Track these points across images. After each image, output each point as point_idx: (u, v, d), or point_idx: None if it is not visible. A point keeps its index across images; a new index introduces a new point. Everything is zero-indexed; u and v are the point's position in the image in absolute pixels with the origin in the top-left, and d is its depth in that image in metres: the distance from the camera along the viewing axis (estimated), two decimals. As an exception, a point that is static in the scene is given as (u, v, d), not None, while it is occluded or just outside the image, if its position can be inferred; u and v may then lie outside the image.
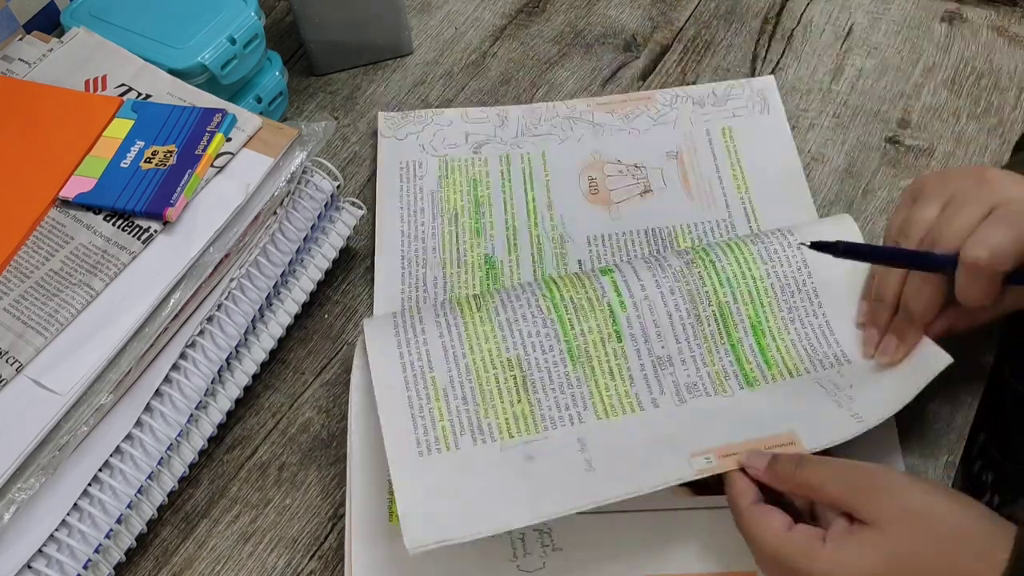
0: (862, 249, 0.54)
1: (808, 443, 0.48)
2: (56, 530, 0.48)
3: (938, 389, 0.56)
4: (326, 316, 0.63)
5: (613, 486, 0.47)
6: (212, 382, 0.55)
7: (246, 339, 0.57)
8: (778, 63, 0.74)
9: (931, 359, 0.51)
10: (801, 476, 0.45)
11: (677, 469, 0.47)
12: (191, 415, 0.53)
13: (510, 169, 0.68)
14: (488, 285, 0.62)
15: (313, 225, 0.60)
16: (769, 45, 0.75)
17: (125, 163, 0.56)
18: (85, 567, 0.49)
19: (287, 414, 0.59)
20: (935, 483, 0.45)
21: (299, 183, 0.59)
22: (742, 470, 0.47)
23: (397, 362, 0.53)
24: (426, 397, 0.51)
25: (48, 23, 0.69)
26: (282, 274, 0.58)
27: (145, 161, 0.56)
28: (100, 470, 0.50)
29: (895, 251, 0.52)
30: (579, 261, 0.63)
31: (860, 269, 0.56)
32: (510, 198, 0.67)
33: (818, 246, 0.50)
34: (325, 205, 0.60)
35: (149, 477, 0.51)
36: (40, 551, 0.47)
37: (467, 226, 0.66)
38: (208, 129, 0.56)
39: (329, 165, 0.60)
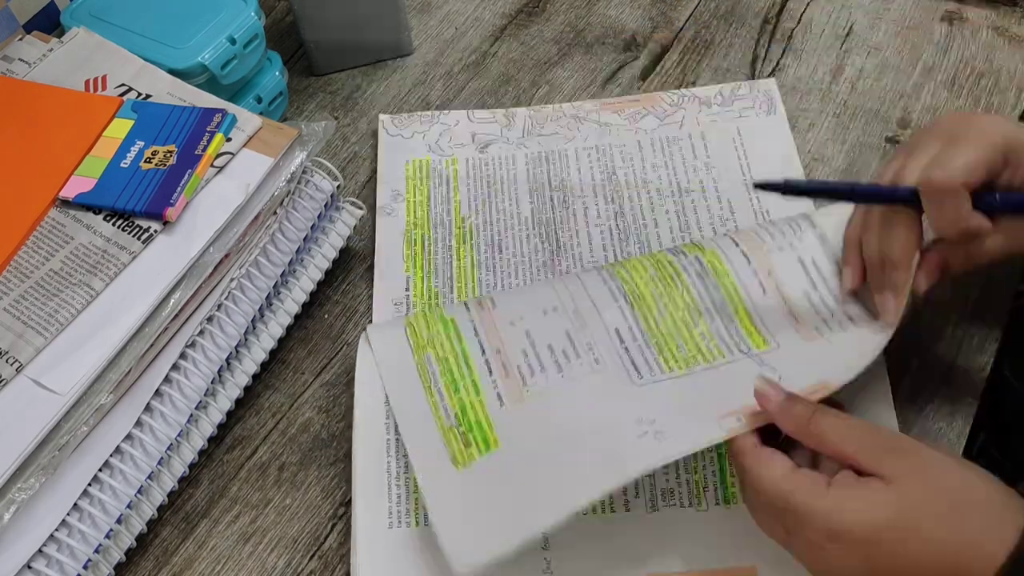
0: (811, 186, 0.52)
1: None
2: (56, 530, 0.48)
3: (938, 389, 0.56)
4: (326, 316, 0.63)
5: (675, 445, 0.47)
6: (212, 382, 0.55)
7: (246, 339, 0.57)
8: (778, 63, 0.74)
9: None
10: (814, 424, 0.44)
11: (707, 432, 0.47)
12: (191, 415, 0.53)
13: (515, 173, 0.68)
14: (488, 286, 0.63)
15: (313, 225, 0.60)
16: (769, 45, 0.75)
17: (125, 163, 0.56)
18: (85, 567, 0.49)
19: (287, 414, 0.59)
20: (950, 451, 0.43)
21: (299, 183, 0.59)
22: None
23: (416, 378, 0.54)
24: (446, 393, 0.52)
25: (48, 23, 0.69)
26: (282, 274, 0.58)
27: (145, 161, 0.56)
28: (100, 470, 0.50)
29: (848, 185, 0.50)
30: (594, 263, 0.63)
31: None
32: (514, 200, 0.67)
33: (761, 185, 0.49)
34: (325, 205, 0.60)
35: (149, 477, 0.51)
36: (40, 551, 0.47)
37: (470, 225, 0.66)
38: (208, 129, 0.56)
39: (329, 165, 0.60)
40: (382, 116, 0.72)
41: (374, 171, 0.70)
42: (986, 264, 0.49)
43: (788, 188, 0.50)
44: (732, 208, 0.65)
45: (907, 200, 0.47)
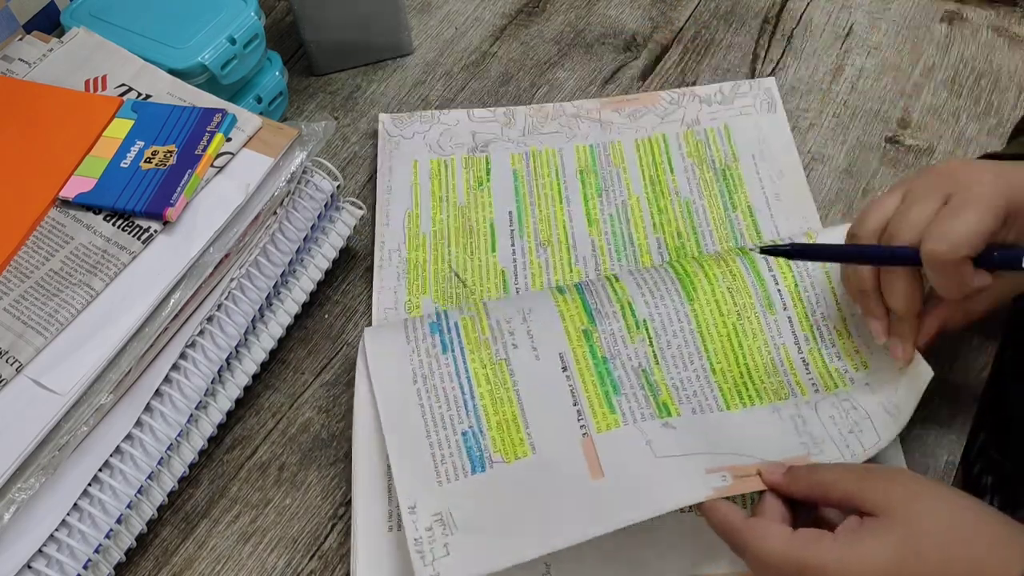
0: (818, 250, 0.52)
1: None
2: (56, 530, 0.48)
3: (938, 389, 0.56)
4: (326, 316, 0.63)
5: (626, 511, 0.47)
6: (212, 382, 0.55)
7: (246, 339, 0.57)
8: (778, 63, 0.74)
9: (917, 373, 0.51)
10: (816, 477, 0.45)
11: (691, 489, 0.47)
12: (191, 415, 0.53)
13: (514, 170, 0.68)
14: (501, 279, 0.63)
15: (313, 225, 0.60)
16: (769, 45, 0.75)
17: (125, 163, 0.56)
18: (85, 567, 0.49)
19: (287, 414, 0.59)
20: (944, 482, 0.45)
21: (299, 183, 0.59)
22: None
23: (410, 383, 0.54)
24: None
25: (48, 23, 0.69)
26: (282, 274, 0.58)
27: (145, 161, 0.56)
28: (100, 470, 0.50)
29: (854, 249, 0.51)
30: (583, 258, 0.63)
31: None
32: (511, 200, 0.67)
33: (768, 251, 0.50)
34: (325, 205, 0.60)
35: (149, 477, 0.51)
36: (40, 551, 0.47)
37: (476, 225, 0.66)
38: (208, 129, 0.56)
39: (329, 165, 0.60)
40: (382, 116, 0.72)
41: (374, 171, 0.70)
42: (981, 316, 0.51)
43: (795, 254, 0.52)
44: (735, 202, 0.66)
45: (910, 261, 0.47)
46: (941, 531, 0.41)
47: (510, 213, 0.66)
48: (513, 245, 0.64)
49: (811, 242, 0.56)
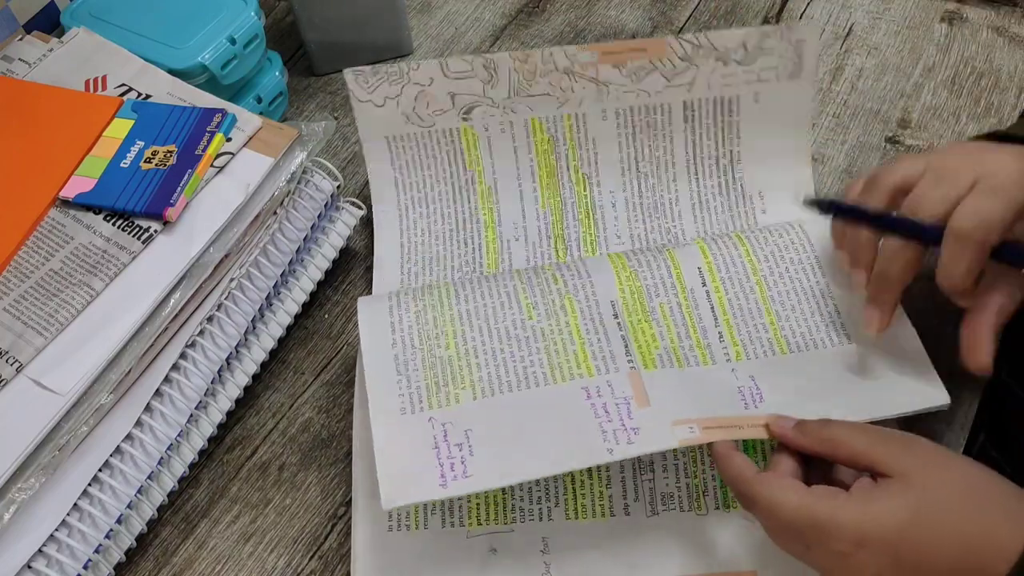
0: (853, 211, 0.51)
1: None
2: (56, 530, 0.48)
3: (938, 389, 0.56)
4: (326, 316, 0.63)
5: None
6: (212, 382, 0.55)
7: (246, 339, 0.57)
8: (778, 63, 0.74)
9: (930, 392, 0.51)
10: (827, 432, 0.45)
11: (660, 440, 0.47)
12: (191, 415, 0.53)
13: (498, 141, 0.64)
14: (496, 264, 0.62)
15: (313, 225, 0.60)
16: (769, 45, 0.75)
17: (125, 163, 0.56)
18: (85, 567, 0.49)
19: (287, 414, 0.59)
20: (959, 453, 0.44)
21: (299, 183, 0.59)
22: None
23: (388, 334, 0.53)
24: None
25: (48, 23, 0.69)
26: (282, 274, 0.59)
27: (145, 161, 0.56)
28: (100, 470, 0.50)
29: (886, 217, 0.50)
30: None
31: None
32: (501, 177, 0.65)
33: (811, 202, 0.50)
34: (325, 205, 0.61)
35: (149, 477, 0.51)
36: (40, 551, 0.47)
37: (477, 205, 0.65)
38: (208, 129, 0.56)
39: (329, 165, 0.61)
40: (346, 73, 0.62)
41: (374, 171, 0.69)
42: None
43: (834, 210, 0.51)
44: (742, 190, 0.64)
45: (932, 238, 0.47)
46: (955, 499, 0.41)
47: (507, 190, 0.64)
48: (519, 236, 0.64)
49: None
